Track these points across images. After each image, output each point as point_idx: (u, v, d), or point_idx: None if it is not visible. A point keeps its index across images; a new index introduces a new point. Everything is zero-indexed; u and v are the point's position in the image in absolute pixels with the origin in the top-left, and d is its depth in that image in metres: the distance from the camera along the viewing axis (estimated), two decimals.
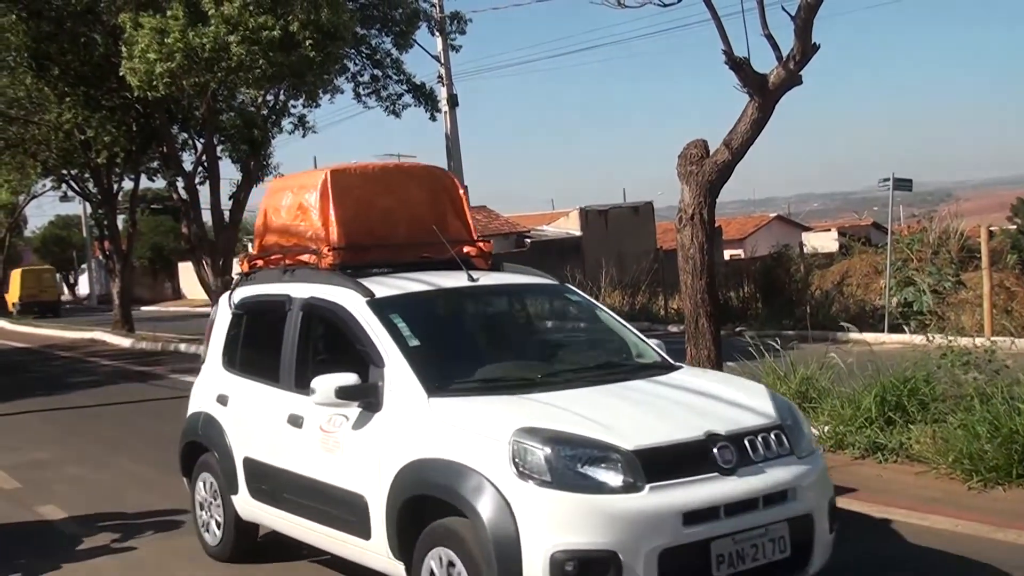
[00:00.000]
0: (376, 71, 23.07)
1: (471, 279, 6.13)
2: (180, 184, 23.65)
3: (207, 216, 23.76)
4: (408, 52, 22.85)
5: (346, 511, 5.43)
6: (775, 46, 10.62)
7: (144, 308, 45.55)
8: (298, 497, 5.91)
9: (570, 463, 4.54)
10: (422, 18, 22.53)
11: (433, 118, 23.62)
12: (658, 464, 4.59)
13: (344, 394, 5.30)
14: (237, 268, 40.10)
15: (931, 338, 10.38)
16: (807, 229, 51.12)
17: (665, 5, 11.38)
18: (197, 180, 23.48)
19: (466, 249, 6.67)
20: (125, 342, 27.21)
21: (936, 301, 17.35)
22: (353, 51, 21.94)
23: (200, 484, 7.02)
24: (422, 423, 5.04)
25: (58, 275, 67.16)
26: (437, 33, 23.36)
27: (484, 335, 6.43)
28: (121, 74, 18.02)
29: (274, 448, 6.12)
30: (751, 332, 12.61)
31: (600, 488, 4.51)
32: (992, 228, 19.38)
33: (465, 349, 6.08)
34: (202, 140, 23.55)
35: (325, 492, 5.60)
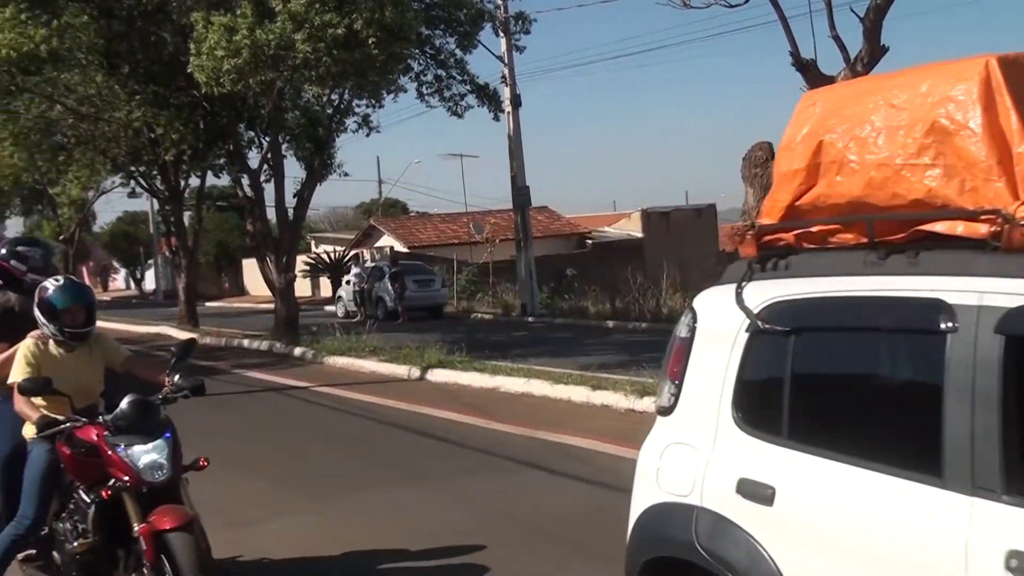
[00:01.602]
0: (440, 71, 23.14)
1: None
2: (245, 182, 23.98)
3: (272, 214, 24.08)
4: (472, 53, 22.95)
5: None
6: (843, 48, 10.51)
7: (208, 304, 46.18)
8: None
9: None
10: (486, 18, 22.56)
11: (496, 118, 23.68)
12: None
13: None
14: (301, 265, 39.42)
15: None
16: None
17: (732, 6, 11.31)
18: (262, 178, 23.76)
19: None
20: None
21: None
22: (417, 51, 22.05)
23: None
24: None
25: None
26: (501, 33, 23.40)
27: None
28: (189, 71, 18.33)
29: None
30: None
31: None
32: None
33: None
34: (267, 138, 23.81)
35: None
